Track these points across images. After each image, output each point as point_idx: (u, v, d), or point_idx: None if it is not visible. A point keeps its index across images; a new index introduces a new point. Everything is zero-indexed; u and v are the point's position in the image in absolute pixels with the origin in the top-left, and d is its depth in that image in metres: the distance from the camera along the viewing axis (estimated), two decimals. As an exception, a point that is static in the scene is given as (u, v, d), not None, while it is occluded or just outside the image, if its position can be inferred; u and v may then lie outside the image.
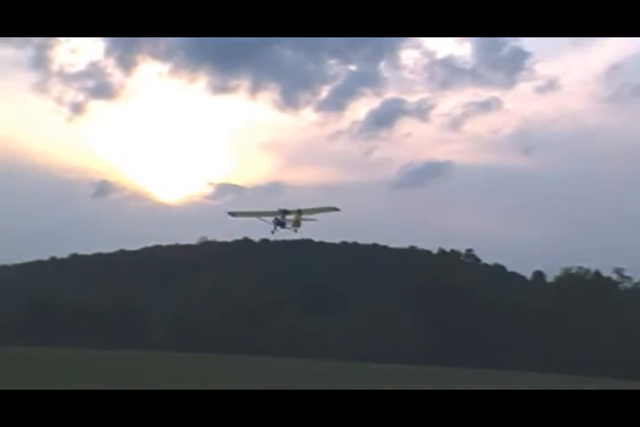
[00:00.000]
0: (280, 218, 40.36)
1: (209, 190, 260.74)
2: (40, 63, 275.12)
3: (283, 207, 40.14)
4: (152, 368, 61.03)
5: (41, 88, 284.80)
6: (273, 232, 40.51)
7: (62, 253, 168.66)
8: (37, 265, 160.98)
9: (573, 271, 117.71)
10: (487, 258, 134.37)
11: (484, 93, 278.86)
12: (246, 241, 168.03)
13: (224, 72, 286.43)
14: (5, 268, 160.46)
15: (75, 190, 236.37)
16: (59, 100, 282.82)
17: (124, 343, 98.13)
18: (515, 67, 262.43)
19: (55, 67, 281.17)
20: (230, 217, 41.77)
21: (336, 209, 40.58)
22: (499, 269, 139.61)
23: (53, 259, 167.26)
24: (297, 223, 40.08)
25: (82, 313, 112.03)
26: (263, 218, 40.86)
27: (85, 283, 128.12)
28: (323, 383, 46.27)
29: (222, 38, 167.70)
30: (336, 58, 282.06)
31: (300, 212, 40.36)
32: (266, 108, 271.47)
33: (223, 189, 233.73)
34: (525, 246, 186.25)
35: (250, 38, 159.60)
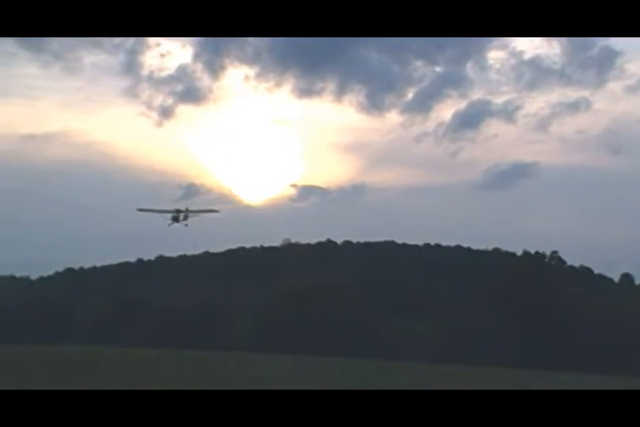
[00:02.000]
0: (175, 215, 53.80)
1: (292, 192, 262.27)
2: (131, 68, 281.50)
3: (178, 208, 54.46)
4: (235, 369, 61.72)
5: (131, 92, 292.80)
6: (170, 225, 53.93)
7: (149, 254, 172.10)
8: (124, 266, 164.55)
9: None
10: (573, 260, 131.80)
11: (572, 93, 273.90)
12: (329, 243, 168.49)
13: (310, 75, 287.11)
14: (94, 269, 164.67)
15: (163, 193, 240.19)
16: (148, 105, 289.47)
17: (208, 344, 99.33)
18: (605, 66, 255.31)
19: (145, 71, 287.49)
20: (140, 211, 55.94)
21: (215, 211, 57.37)
22: (585, 271, 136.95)
23: (140, 260, 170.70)
24: (185, 218, 53.80)
25: (166, 314, 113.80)
26: (164, 214, 54.29)
27: (171, 284, 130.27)
28: (411, 384, 46.14)
29: (308, 40, 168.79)
30: (422, 59, 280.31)
31: (187, 210, 54.18)
32: (351, 110, 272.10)
33: (306, 192, 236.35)
34: (613, 248, 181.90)
35: (335, 39, 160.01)
